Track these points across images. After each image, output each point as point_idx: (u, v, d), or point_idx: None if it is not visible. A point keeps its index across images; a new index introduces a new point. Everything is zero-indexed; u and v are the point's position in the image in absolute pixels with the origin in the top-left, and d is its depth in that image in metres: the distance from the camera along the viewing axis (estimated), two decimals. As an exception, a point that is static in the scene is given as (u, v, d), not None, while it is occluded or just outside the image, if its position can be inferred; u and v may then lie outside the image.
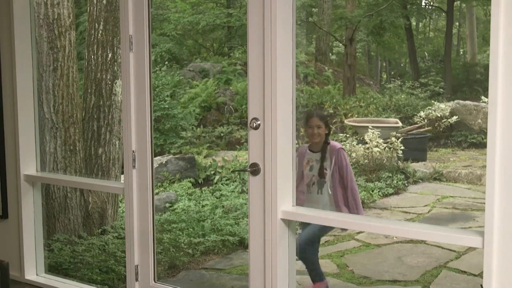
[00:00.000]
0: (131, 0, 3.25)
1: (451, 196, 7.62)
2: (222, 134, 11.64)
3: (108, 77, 5.84)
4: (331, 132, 11.65)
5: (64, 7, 5.33)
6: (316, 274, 4.30)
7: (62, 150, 5.47)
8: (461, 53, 24.10)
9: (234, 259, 5.41)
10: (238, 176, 8.07)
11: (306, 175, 4.25)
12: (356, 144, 8.84)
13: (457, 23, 23.19)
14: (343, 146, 4.13)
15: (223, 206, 7.11)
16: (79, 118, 5.66)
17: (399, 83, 16.67)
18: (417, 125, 11.36)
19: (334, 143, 4.32)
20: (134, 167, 3.33)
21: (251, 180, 2.83)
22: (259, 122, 2.77)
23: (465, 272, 4.81)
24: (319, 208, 4.09)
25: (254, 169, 2.80)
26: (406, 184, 8.17)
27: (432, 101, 12.86)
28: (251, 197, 2.84)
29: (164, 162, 8.90)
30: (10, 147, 3.99)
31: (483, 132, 11.12)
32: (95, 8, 5.81)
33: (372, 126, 9.06)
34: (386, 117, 12.38)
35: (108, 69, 5.84)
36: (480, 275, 4.56)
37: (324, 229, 4.38)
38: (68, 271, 4.85)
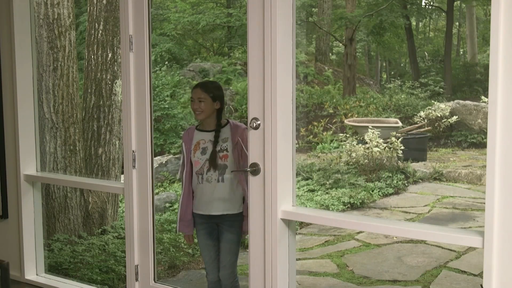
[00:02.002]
0: (131, 0, 3.25)
1: (451, 196, 7.62)
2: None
3: (108, 77, 5.84)
4: (332, 130, 11.69)
5: (64, 7, 5.33)
6: None
7: (62, 150, 5.47)
8: (461, 53, 24.10)
9: (234, 259, 5.40)
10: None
11: (197, 161, 3.36)
12: (356, 144, 8.84)
13: (457, 23, 23.19)
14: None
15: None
16: (79, 118, 5.66)
17: (399, 83, 16.67)
18: (417, 125, 11.36)
19: (236, 122, 3.44)
20: (134, 167, 3.33)
21: (251, 180, 2.83)
22: (259, 122, 2.77)
23: (465, 272, 4.81)
24: (219, 200, 3.34)
25: (254, 169, 2.80)
26: (406, 184, 8.17)
27: (432, 101, 12.87)
28: (251, 197, 2.84)
29: (164, 162, 8.90)
30: (10, 147, 3.99)
31: (483, 132, 11.12)
32: (95, 8, 5.81)
33: (372, 126, 9.06)
34: (386, 117, 12.38)
35: (108, 69, 5.84)
36: (480, 275, 4.56)
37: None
38: (68, 271, 4.85)
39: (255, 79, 2.77)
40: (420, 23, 24.91)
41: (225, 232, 3.40)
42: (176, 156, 9.28)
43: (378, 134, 8.64)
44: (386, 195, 7.67)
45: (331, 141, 11.11)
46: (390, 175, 8.18)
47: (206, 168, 3.33)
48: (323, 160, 9.31)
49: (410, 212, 6.90)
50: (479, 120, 11.61)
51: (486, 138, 2.22)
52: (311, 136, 11.42)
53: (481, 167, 8.99)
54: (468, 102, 12.32)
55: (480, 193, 7.62)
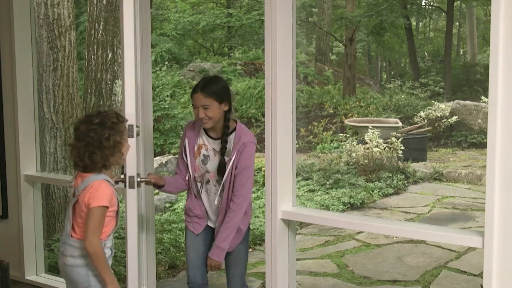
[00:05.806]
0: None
1: (451, 196, 7.62)
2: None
3: (108, 77, 5.85)
4: (332, 130, 11.68)
5: (64, 7, 5.33)
6: None
7: (62, 150, 5.46)
8: (461, 53, 24.13)
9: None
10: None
11: (198, 167, 2.95)
12: (356, 144, 8.84)
13: (457, 23, 23.21)
14: (255, 140, 2.93)
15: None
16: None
17: (399, 83, 16.69)
18: (417, 125, 11.36)
19: (243, 128, 2.92)
20: (134, 167, 3.33)
21: (129, 192, 2.92)
22: (137, 129, 2.83)
23: (465, 272, 4.81)
24: (214, 220, 2.99)
25: (131, 181, 2.84)
26: (406, 184, 8.17)
27: (432, 101, 12.88)
28: (129, 211, 2.82)
29: (164, 162, 8.89)
30: (10, 147, 3.99)
31: (483, 132, 11.12)
32: (95, 8, 5.82)
33: (372, 126, 9.06)
34: (386, 117, 12.39)
35: (108, 69, 5.85)
36: (480, 275, 4.56)
37: None
38: (68, 271, 4.84)
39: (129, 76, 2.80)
40: (420, 23, 24.93)
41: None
42: (176, 156, 9.28)
43: (378, 134, 8.64)
44: (386, 195, 7.67)
45: (331, 141, 11.11)
46: (390, 175, 8.18)
47: (205, 179, 2.95)
48: (323, 160, 9.31)
49: (410, 212, 6.90)
50: (479, 120, 11.61)
51: (486, 138, 2.22)
52: (311, 136, 11.43)
53: (481, 167, 8.99)
54: (468, 102, 12.33)
55: (480, 193, 7.61)
